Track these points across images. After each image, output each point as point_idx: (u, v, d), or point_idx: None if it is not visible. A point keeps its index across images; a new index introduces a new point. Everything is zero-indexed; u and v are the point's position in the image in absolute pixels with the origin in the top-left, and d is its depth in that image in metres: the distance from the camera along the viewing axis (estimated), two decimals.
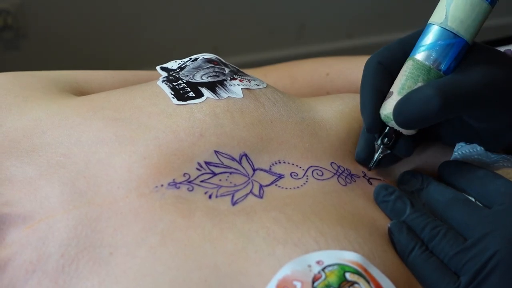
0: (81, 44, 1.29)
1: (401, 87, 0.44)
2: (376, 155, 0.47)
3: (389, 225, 0.42)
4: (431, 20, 0.45)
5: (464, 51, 0.44)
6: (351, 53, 0.74)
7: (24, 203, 0.41)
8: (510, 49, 0.48)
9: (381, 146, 0.46)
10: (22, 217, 0.40)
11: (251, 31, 1.46)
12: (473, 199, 0.44)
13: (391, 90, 0.45)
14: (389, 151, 0.46)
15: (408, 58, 0.45)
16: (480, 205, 0.42)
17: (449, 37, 0.43)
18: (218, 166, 0.43)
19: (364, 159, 0.48)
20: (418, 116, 0.42)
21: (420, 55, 0.44)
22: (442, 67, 0.44)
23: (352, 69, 0.69)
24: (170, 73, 0.51)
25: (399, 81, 0.45)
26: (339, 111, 0.51)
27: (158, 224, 0.39)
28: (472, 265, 0.38)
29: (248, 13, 1.44)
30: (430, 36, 0.44)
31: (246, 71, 0.71)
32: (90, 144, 0.44)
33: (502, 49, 0.49)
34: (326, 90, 0.68)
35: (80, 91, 0.55)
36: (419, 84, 0.44)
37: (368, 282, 0.36)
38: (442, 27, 0.44)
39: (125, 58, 1.34)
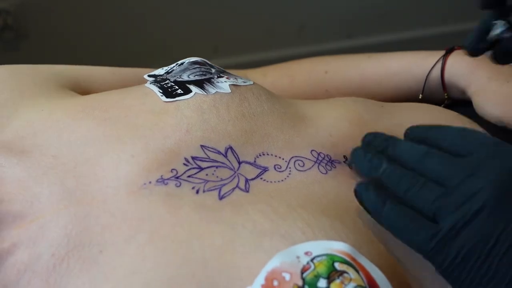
0: (81, 44, 1.29)
1: None
2: (497, 31, 0.42)
3: (355, 187, 0.40)
4: None
5: None
6: (351, 53, 0.74)
7: (14, 202, 0.41)
8: None
9: (504, 22, 0.40)
10: (13, 216, 0.41)
11: (251, 31, 1.46)
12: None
13: None
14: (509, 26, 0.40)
15: None
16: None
17: None
18: (205, 161, 0.44)
19: (475, 46, 0.45)
20: None
21: None
22: None
23: (350, 67, 0.69)
24: (157, 78, 0.53)
25: None
26: (320, 109, 0.52)
27: (146, 221, 0.40)
28: (454, 208, 0.36)
29: (248, 13, 1.44)
30: None
31: (246, 71, 0.71)
32: (79, 144, 0.44)
33: None
34: (325, 87, 0.68)
35: (80, 87, 0.55)
36: None
37: (357, 271, 0.36)
38: None
39: (125, 58, 1.33)
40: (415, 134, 0.43)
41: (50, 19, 1.26)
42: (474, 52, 0.45)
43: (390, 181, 0.39)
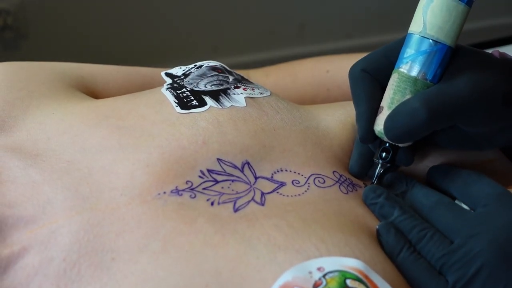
0: (81, 44, 1.29)
1: (390, 101, 0.44)
2: (376, 171, 0.46)
3: (377, 226, 0.42)
4: (410, 29, 0.44)
5: (448, 56, 0.43)
6: (351, 53, 0.74)
7: (27, 206, 0.41)
8: (498, 51, 0.48)
9: (381, 162, 0.46)
10: (25, 221, 0.40)
11: (251, 31, 1.46)
12: (458, 201, 0.44)
13: (381, 105, 0.45)
14: (389, 165, 0.46)
15: (394, 71, 0.44)
16: (465, 207, 0.43)
17: (430, 44, 0.43)
18: (221, 174, 0.44)
19: (358, 172, 0.48)
20: (406, 130, 0.42)
21: (404, 66, 0.44)
22: (428, 76, 0.43)
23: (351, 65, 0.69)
24: (175, 79, 0.52)
25: (387, 95, 0.44)
26: (342, 121, 0.51)
27: (160, 230, 0.39)
28: (457, 267, 0.39)
29: (248, 13, 1.44)
30: (412, 46, 0.43)
31: (247, 71, 0.71)
32: (94, 151, 0.44)
33: (502, 50, 0.49)
34: (327, 87, 0.68)
35: (85, 86, 0.55)
36: (408, 97, 0.43)
37: None
38: (422, 36, 0.43)
39: (125, 57, 1.33)
40: (433, 177, 0.47)
41: (50, 19, 1.26)
42: (359, 175, 0.49)
43: (402, 229, 0.42)
